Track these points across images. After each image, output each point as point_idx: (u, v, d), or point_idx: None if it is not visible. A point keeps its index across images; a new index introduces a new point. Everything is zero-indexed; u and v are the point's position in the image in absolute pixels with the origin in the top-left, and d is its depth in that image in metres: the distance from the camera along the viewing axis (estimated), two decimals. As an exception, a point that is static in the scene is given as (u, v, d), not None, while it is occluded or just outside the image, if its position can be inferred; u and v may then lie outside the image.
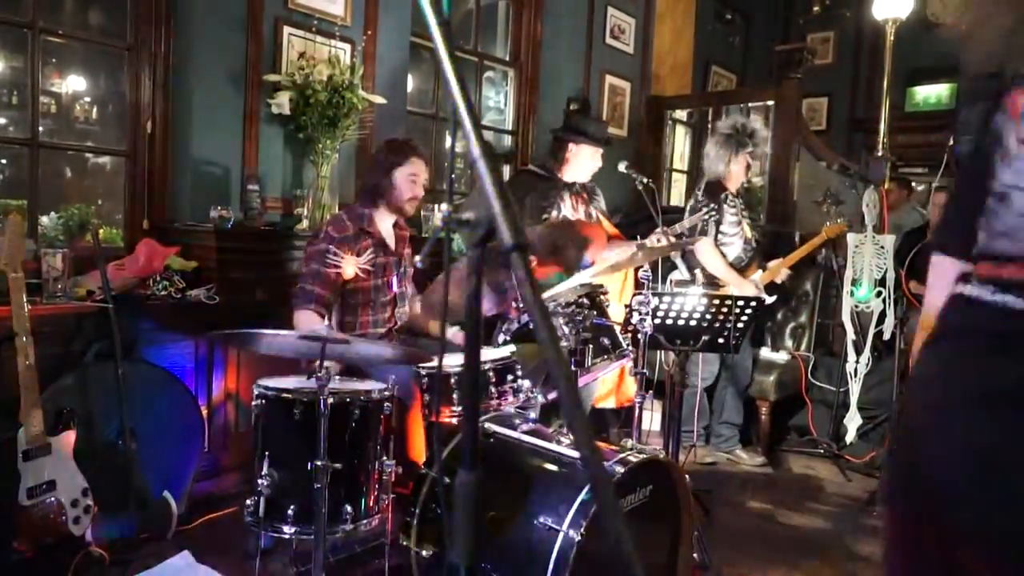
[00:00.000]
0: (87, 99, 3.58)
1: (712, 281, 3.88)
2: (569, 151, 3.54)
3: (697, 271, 3.90)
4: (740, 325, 2.94)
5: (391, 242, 2.92)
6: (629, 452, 2.10)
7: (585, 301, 2.60)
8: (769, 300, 3.93)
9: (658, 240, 3.44)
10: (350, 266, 2.72)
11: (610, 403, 3.83)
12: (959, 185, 1.16)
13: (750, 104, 6.40)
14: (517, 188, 3.58)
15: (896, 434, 1.14)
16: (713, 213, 3.69)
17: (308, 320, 2.64)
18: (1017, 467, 0.94)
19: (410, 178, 2.83)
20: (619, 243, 3.69)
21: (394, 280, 2.91)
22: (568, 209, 3.56)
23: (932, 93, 8.08)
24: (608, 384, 3.70)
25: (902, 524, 1.09)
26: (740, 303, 2.90)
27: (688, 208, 3.91)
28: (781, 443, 4.42)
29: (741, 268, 3.90)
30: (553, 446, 2.16)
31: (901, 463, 1.10)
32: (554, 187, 3.55)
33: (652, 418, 4.14)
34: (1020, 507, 0.93)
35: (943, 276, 1.14)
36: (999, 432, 0.95)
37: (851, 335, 4.09)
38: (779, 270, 4.01)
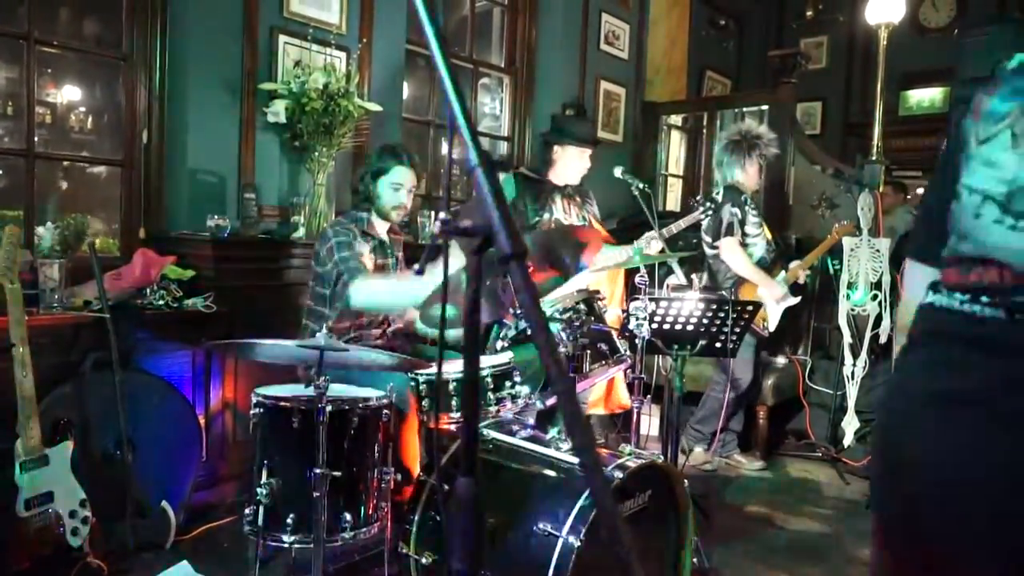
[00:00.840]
0: (83, 109, 3.57)
1: (709, 286, 3.88)
2: (555, 153, 3.55)
3: (694, 276, 3.90)
4: (737, 329, 2.95)
5: (388, 245, 2.94)
6: (627, 457, 2.10)
7: (582, 307, 2.61)
8: (794, 301, 3.94)
9: (650, 243, 3.44)
10: (369, 262, 2.75)
11: (599, 410, 3.82)
12: (929, 192, 1.17)
13: (744, 109, 6.43)
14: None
15: (874, 438, 1.14)
16: (710, 213, 3.67)
17: (366, 285, 2.62)
18: (988, 467, 0.95)
19: (392, 186, 2.83)
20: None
21: None
22: (559, 211, 3.57)
23: (925, 97, 8.12)
24: (598, 390, 3.70)
25: (884, 526, 1.09)
26: (737, 307, 2.91)
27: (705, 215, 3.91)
28: (779, 447, 4.42)
29: (765, 269, 3.89)
30: (552, 452, 2.16)
31: (879, 466, 1.12)
32: (544, 190, 3.56)
33: (650, 423, 4.14)
34: (991, 506, 0.94)
35: (915, 281, 1.15)
36: (970, 433, 0.96)
37: (847, 338, 4.10)
38: (800, 271, 4.01)
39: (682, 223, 3.69)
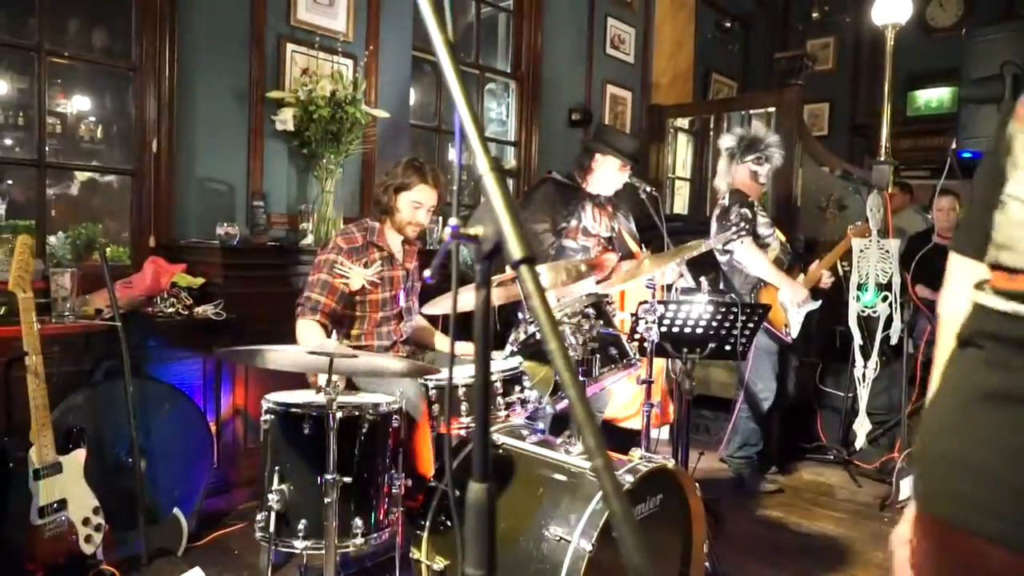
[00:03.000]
0: (93, 119, 3.60)
1: (721, 288, 3.85)
2: (595, 161, 3.48)
3: (703, 278, 3.88)
4: (747, 332, 2.94)
5: (399, 256, 2.93)
6: (638, 461, 2.10)
7: (591, 311, 2.60)
8: (815, 305, 3.89)
9: (677, 273, 3.41)
10: (357, 277, 2.74)
11: (635, 423, 3.74)
12: (974, 186, 1.16)
13: (751, 111, 6.42)
14: (537, 198, 3.54)
15: (920, 436, 1.13)
16: (743, 231, 3.58)
17: (310, 330, 2.65)
18: None
19: (413, 204, 2.82)
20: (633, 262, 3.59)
21: (401, 294, 2.91)
22: (589, 220, 3.51)
23: (933, 97, 8.08)
24: (634, 404, 3.63)
25: (929, 526, 1.08)
26: (746, 310, 2.90)
27: (714, 215, 3.82)
28: (791, 450, 4.40)
29: (784, 272, 3.81)
30: (562, 456, 2.16)
31: (926, 465, 1.10)
32: (575, 196, 3.51)
33: (660, 427, 4.11)
34: None
35: (957, 275, 1.15)
36: (1021, 432, 0.95)
37: (858, 340, 4.07)
38: (818, 274, 3.94)
39: (712, 241, 3.60)
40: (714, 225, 3.78)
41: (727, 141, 3.87)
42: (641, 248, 3.83)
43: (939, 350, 1.19)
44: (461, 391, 2.39)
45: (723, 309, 2.87)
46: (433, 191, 2.83)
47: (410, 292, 2.97)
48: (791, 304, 3.77)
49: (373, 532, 2.23)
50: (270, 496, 2.13)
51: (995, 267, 1.02)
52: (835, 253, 4.06)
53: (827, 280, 3.99)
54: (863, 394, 4.06)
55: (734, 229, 3.52)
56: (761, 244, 3.74)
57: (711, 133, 6.92)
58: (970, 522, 0.99)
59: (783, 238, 3.91)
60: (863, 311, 4.08)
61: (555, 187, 3.54)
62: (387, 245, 2.87)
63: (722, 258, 3.82)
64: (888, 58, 4.35)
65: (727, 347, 2.94)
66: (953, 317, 1.13)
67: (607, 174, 3.50)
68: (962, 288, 1.12)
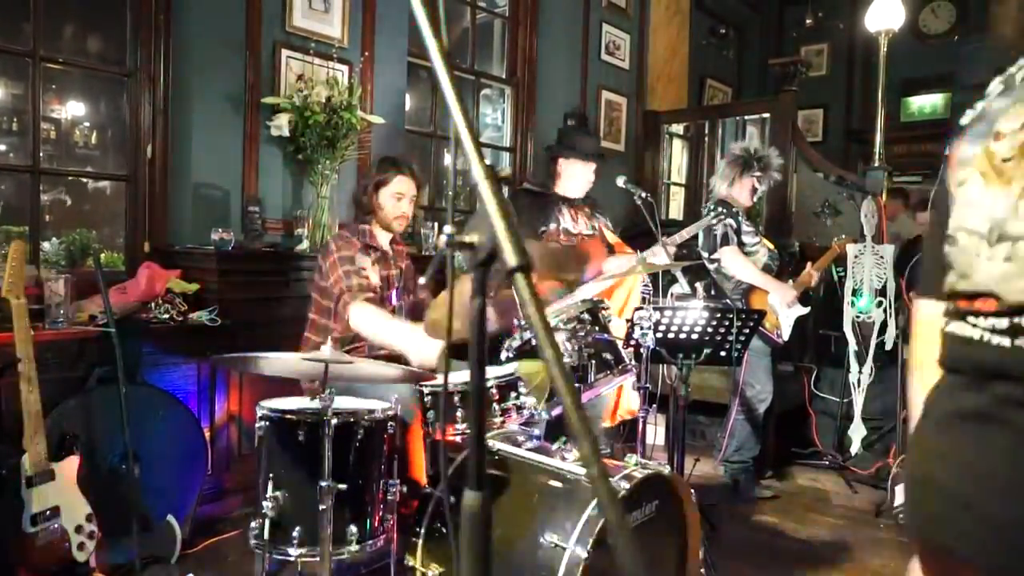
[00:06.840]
0: (87, 125, 3.60)
1: (713, 294, 3.86)
2: (559, 166, 3.54)
3: (698, 285, 3.88)
4: (742, 337, 2.95)
5: (392, 255, 2.95)
6: (634, 468, 2.09)
7: (587, 317, 2.60)
8: (805, 310, 3.90)
9: (657, 252, 3.43)
10: (374, 274, 2.77)
11: (605, 423, 3.74)
12: (927, 236, 1.22)
13: (746, 117, 6.43)
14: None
15: (907, 458, 1.19)
16: (721, 217, 3.63)
17: (367, 313, 2.61)
18: (1010, 487, 0.96)
19: (394, 196, 2.85)
20: (622, 254, 3.67)
21: (394, 293, 2.92)
22: (568, 221, 3.54)
23: (927, 103, 8.13)
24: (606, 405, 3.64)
25: (919, 545, 1.10)
26: (741, 316, 2.91)
27: (700, 229, 3.86)
28: (786, 455, 4.40)
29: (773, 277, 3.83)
30: (558, 463, 2.15)
31: (908, 485, 1.14)
32: (550, 201, 3.55)
33: (656, 432, 4.11)
34: (1016, 526, 0.95)
35: (923, 318, 1.19)
36: (989, 449, 0.98)
37: (853, 346, 4.08)
38: (810, 279, 3.95)
39: (685, 233, 3.67)
40: (700, 238, 3.80)
41: (739, 149, 3.88)
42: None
43: (914, 392, 1.21)
44: (456, 397, 2.39)
45: (718, 315, 2.87)
46: (411, 180, 2.87)
47: (402, 292, 2.98)
48: (780, 305, 3.79)
49: (368, 539, 2.22)
50: (264, 503, 2.12)
51: (957, 295, 1.06)
52: (821, 263, 4.07)
53: (815, 279, 3.98)
54: (858, 400, 4.08)
55: (712, 215, 3.57)
56: (746, 253, 3.76)
57: (706, 139, 6.94)
58: (948, 543, 1.02)
59: (771, 246, 3.93)
60: (858, 317, 4.09)
61: (529, 196, 3.58)
62: (380, 245, 2.90)
63: (710, 266, 3.85)
64: (882, 64, 4.39)
65: (722, 352, 2.94)
66: (927, 366, 1.15)
67: (574, 177, 3.53)
68: (929, 329, 1.15)
